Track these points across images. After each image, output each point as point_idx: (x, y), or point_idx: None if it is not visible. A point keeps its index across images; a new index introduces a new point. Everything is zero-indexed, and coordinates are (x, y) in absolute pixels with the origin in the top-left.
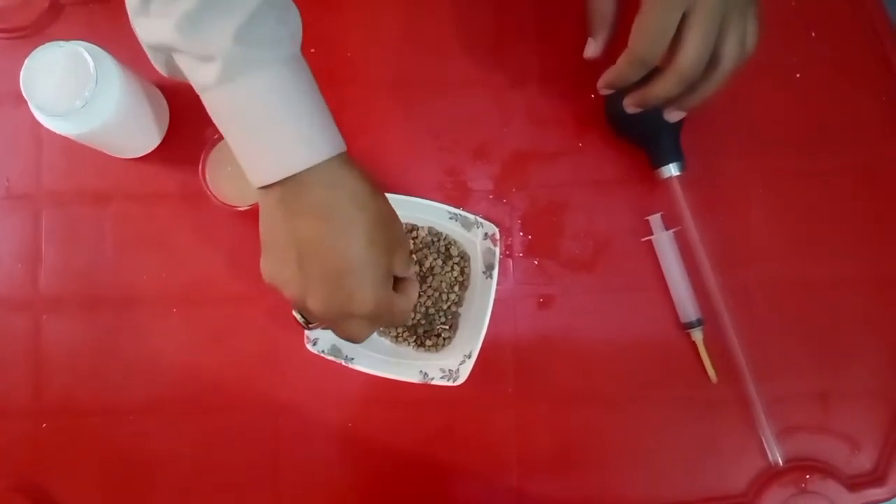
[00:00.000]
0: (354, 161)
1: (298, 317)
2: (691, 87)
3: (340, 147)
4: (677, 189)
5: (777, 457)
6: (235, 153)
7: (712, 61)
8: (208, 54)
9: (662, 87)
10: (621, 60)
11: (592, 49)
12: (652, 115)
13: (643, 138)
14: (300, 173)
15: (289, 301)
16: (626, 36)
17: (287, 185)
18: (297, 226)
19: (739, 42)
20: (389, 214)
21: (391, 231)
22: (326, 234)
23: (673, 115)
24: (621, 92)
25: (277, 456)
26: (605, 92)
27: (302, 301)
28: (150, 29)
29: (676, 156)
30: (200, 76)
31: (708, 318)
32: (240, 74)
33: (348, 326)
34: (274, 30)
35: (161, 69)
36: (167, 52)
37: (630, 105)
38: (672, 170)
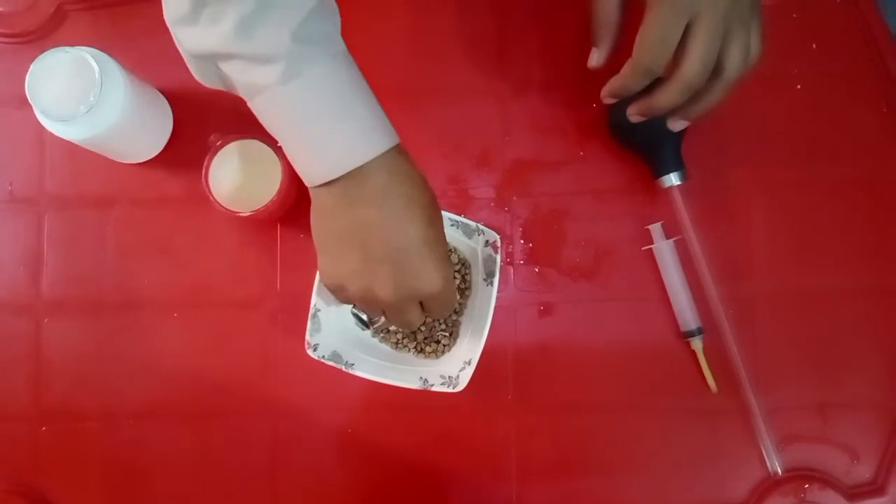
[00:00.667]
0: (404, 149)
1: (359, 317)
2: (695, 96)
3: (396, 136)
4: (678, 199)
5: (776, 466)
6: (292, 154)
7: (716, 71)
8: (267, 55)
9: (666, 97)
10: (625, 69)
11: (596, 58)
12: (653, 124)
13: (644, 148)
14: (365, 164)
15: (351, 301)
16: (630, 46)
17: (351, 178)
18: (358, 215)
19: (743, 52)
20: (437, 200)
21: (440, 215)
22: (389, 217)
23: (677, 125)
24: (623, 101)
25: (277, 461)
26: (608, 101)
27: (369, 292)
28: (199, 37)
29: (677, 165)
30: (259, 78)
31: (708, 328)
32: (301, 72)
33: (411, 311)
34: (326, 27)
35: (201, 79)
36: (216, 59)
37: (634, 114)
38: (673, 179)
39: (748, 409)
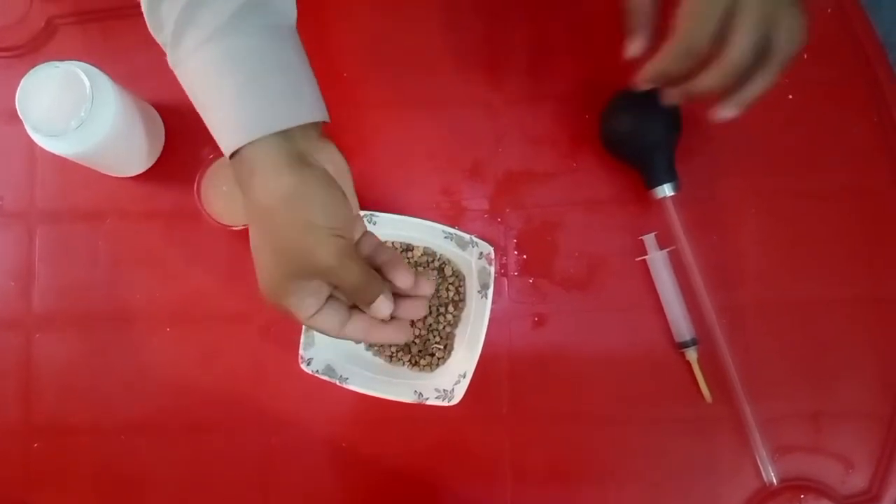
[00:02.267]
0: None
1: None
2: (738, 81)
3: (317, 115)
4: (671, 209)
5: (772, 476)
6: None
7: (764, 52)
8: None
9: (711, 79)
10: (665, 51)
11: (636, 47)
12: (646, 135)
13: (637, 159)
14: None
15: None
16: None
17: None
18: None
19: (791, 31)
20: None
21: (344, 206)
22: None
23: (728, 112)
24: (617, 111)
25: (269, 475)
26: (646, 86)
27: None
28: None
29: (670, 176)
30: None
31: (702, 338)
32: (180, 59)
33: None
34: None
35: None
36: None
37: (673, 99)
38: (666, 190)
39: (743, 418)
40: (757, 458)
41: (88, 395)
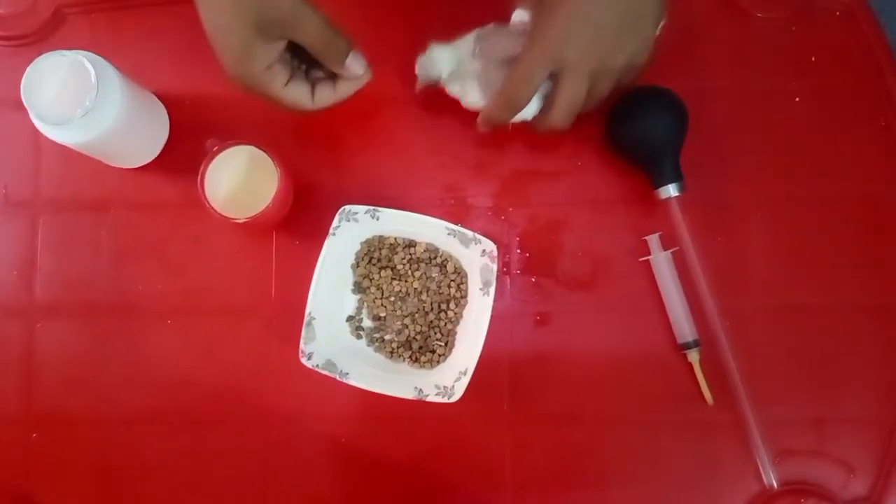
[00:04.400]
0: None
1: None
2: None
3: None
4: (676, 210)
5: (772, 480)
6: None
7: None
8: None
9: (540, 128)
10: (494, 101)
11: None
12: (652, 135)
13: (643, 159)
14: None
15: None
16: None
17: None
18: None
19: (601, 91)
20: None
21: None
22: None
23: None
24: (622, 111)
25: (269, 469)
26: (484, 129)
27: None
28: None
29: (676, 176)
30: None
31: (704, 340)
32: None
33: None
34: None
35: None
36: None
37: (480, 126)
38: (671, 190)
39: (744, 422)
40: (758, 461)
41: (89, 386)
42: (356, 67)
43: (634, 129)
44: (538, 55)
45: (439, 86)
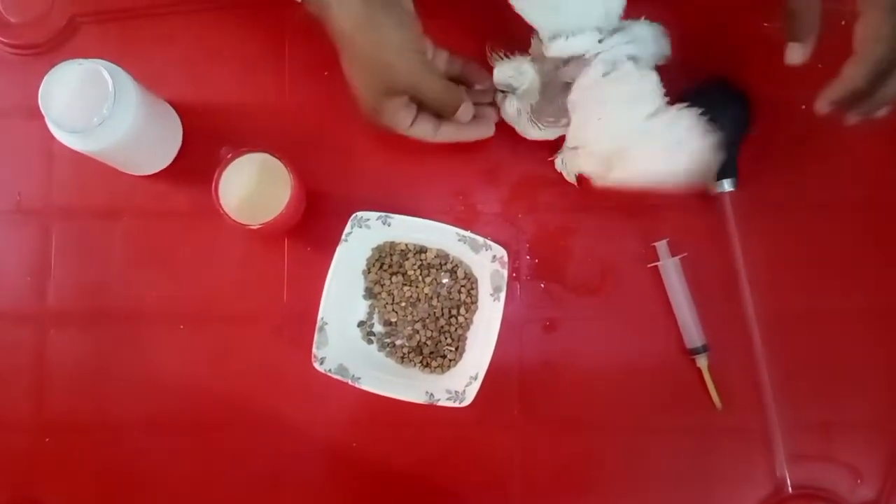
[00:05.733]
0: None
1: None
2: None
3: None
4: (728, 205)
5: (788, 483)
6: None
7: None
8: None
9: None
10: (851, 73)
11: (799, 54)
12: (721, 125)
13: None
14: None
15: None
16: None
17: None
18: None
19: None
20: None
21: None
22: None
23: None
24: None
25: (277, 476)
26: (827, 110)
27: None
28: None
29: (733, 172)
30: None
31: (713, 345)
32: None
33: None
34: None
35: None
36: None
37: (854, 120)
38: (726, 185)
39: (757, 425)
40: (776, 463)
41: (100, 392)
42: (465, 114)
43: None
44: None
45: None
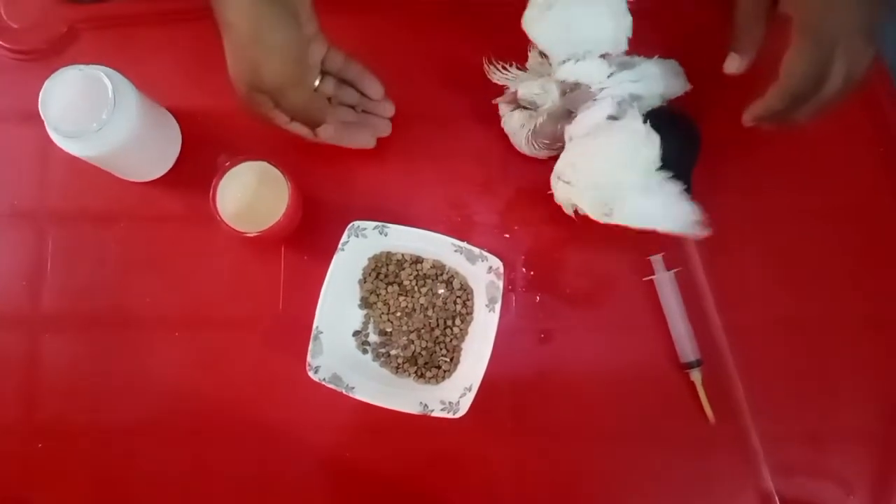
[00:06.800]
0: None
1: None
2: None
3: None
4: None
5: (775, 499)
6: None
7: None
8: None
9: (808, 112)
10: (772, 96)
11: (736, 65)
12: (666, 157)
13: None
14: None
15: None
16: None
17: None
18: None
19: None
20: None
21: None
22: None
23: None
24: None
25: (267, 483)
26: (750, 125)
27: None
28: None
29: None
30: None
31: (707, 359)
32: None
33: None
34: None
35: None
36: None
37: (769, 129)
38: None
39: (746, 440)
40: (763, 479)
41: (93, 397)
42: (324, 134)
43: None
44: (816, 42)
45: (514, 105)
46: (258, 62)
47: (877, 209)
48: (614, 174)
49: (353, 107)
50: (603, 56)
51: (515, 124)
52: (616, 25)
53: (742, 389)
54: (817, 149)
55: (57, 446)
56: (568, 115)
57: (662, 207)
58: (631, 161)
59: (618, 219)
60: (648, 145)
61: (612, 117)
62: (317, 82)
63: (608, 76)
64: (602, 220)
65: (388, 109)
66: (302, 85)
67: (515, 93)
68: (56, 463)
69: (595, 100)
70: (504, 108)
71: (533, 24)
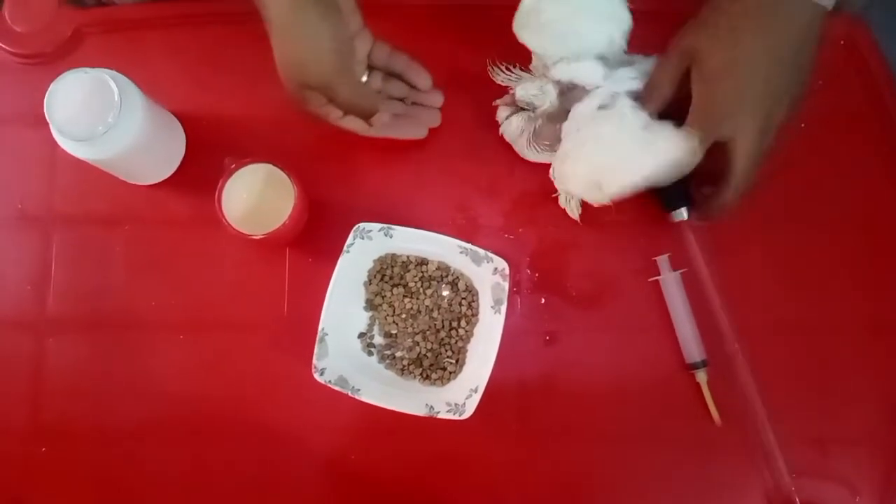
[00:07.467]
0: None
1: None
2: None
3: None
4: (688, 233)
5: (794, 498)
6: None
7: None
8: None
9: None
10: (728, 193)
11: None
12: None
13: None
14: None
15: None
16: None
17: None
18: None
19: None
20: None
21: (340, 24)
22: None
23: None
24: None
25: (277, 485)
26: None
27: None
28: None
29: (688, 200)
30: None
31: (712, 360)
32: None
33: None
34: None
35: None
36: None
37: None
38: (684, 213)
39: (754, 441)
40: (775, 478)
41: (97, 400)
42: (378, 123)
43: None
44: (756, 140)
45: (514, 108)
46: (304, 59)
47: (883, 211)
48: (603, 154)
49: (401, 99)
50: (600, 57)
51: (514, 131)
52: (609, 26)
53: (750, 388)
54: (823, 151)
55: (61, 448)
56: (567, 115)
57: (652, 157)
58: (618, 138)
59: (611, 190)
60: (636, 117)
61: (603, 107)
62: (364, 77)
63: (603, 77)
64: (598, 200)
65: (438, 99)
66: (350, 77)
67: (514, 94)
68: (60, 465)
69: (588, 95)
70: (501, 115)
71: (522, 28)
